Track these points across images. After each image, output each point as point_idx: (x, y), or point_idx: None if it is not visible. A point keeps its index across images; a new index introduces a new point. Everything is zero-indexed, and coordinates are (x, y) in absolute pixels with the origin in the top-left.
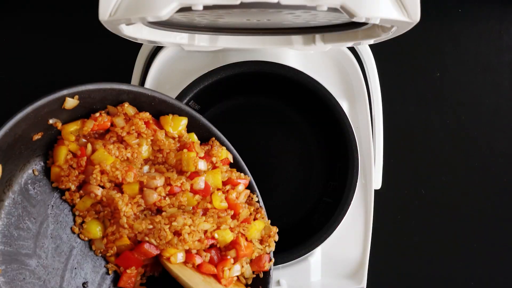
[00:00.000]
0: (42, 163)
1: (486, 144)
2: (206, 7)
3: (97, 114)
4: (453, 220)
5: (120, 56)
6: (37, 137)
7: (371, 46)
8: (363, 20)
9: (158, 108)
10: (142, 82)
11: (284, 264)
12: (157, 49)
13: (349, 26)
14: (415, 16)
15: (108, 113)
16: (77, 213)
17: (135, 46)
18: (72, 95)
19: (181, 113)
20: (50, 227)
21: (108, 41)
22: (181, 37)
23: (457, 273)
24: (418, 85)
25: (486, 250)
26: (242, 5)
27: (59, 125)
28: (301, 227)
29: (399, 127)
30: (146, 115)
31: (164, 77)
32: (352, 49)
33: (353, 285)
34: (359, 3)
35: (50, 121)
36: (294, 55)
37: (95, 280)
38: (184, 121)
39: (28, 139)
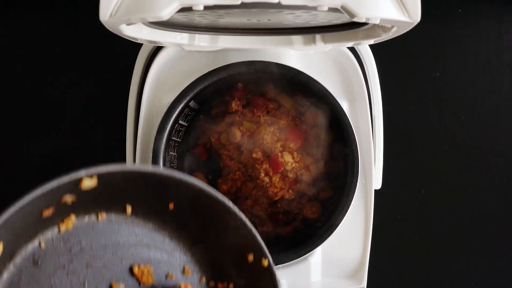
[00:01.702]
0: (49, 236)
1: (486, 144)
2: (206, 7)
3: None
4: (453, 220)
5: (120, 56)
6: (47, 213)
7: (371, 46)
8: (363, 20)
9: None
10: (142, 82)
11: (284, 264)
12: (157, 49)
13: (349, 26)
14: (416, 16)
15: None
16: None
17: (135, 46)
18: (90, 175)
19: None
20: None
21: (108, 41)
22: (181, 37)
23: (457, 273)
24: (418, 85)
25: (486, 250)
26: (243, 5)
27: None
28: (301, 227)
29: (399, 127)
30: None
31: (164, 77)
32: (352, 49)
33: (353, 285)
34: (359, 3)
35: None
36: (294, 55)
37: None
38: None
39: (38, 215)
